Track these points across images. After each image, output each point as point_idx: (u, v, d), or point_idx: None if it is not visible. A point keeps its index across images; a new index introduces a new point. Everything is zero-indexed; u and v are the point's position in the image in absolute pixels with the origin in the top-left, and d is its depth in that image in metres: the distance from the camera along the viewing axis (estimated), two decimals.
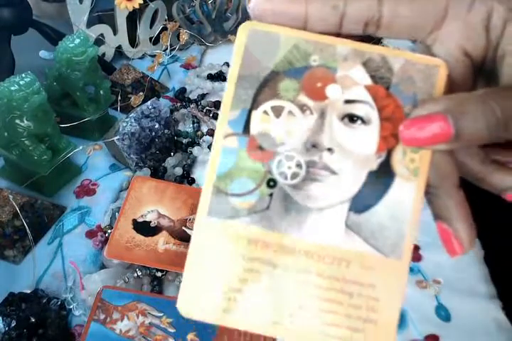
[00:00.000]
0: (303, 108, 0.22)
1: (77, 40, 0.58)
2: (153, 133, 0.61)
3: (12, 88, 0.49)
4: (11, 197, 0.50)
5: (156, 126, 0.61)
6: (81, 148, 0.58)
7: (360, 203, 0.22)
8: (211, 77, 0.77)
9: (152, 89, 0.74)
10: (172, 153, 0.64)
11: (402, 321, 0.48)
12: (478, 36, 0.22)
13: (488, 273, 0.52)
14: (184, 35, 0.78)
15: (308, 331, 0.22)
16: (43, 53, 0.78)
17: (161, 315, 0.45)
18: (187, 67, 0.81)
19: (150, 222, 0.52)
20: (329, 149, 0.22)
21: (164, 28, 0.78)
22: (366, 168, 0.22)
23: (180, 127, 0.69)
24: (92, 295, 0.47)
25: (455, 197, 0.22)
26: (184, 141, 0.66)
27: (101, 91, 0.63)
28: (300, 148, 0.22)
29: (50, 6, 0.75)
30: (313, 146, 0.22)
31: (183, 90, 0.75)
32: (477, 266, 0.53)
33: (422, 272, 0.52)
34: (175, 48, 0.79)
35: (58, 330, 0.45)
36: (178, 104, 0.72)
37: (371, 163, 0.22)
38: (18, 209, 0.50)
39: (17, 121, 0.51)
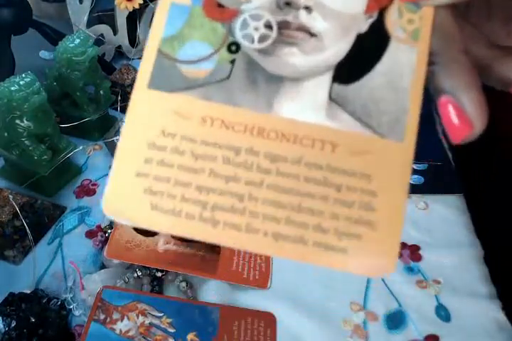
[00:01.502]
0: None
1: (77, 40, 0.58)
2: None
3: (12, 88, 0.49)
4: (11, 197, 0.50)
5: None
6: (81, 148, 0.58)
7: (348, 72, 0.18)
8: None
9: None
10: None
11: (402, 321, 0.48)
12: None
13: (488, 273, 0.52)
14: None
15: (279, 237, 0.16)
16: (43, 53, 0.77)
17: (161, 315, 0.45)
18: None
19: None
20: (307, 7, 0.18)
21: None
22: (353, 30, 0.18)
23: None
24: (92, 295, 0.47)
25: (461, 64, 0.18)
26: None
27: (101, 92, 0.63)
28: (270, 6, 0.18)
29: (50, 6, 0.75)
30: (286, 4, 0.18)
31: None
32: (477, 266, 0.53)
33: (422, 272, 0.52)
34: None
35: (58, 330, 0.45)
36: None
37: (360, 25, 0.18)
38: (18, 209, 0.50)
39: (17, 121, 0.51)
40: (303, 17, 0.18)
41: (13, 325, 0.43)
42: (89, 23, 0.71)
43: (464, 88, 0.18)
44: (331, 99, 0.18)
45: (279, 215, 0.16)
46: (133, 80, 0.71)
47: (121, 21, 0.75)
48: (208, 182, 0.17)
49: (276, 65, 0.18)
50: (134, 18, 0.76)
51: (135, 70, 0.73)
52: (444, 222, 0.56)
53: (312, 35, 0.18)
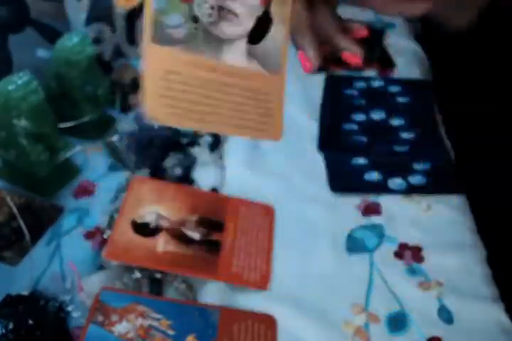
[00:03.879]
0: None
1: (75, 39, 0.58)
2: (153, 133, 0.60)
3: (9, 87, 0.48)
4: (8, 197, 0.50)
5: (156, 126, 0.60)
6: (80, 148, 0.58)
7: (254, 37, 0.33)
8: None
9: None
10: (171, 153, 0.63)
11: (404, 323, 0.48)
12: None
13: (492, 274, 0.52)
14: None
15: (226, 122, 0.32)
16: (40, 52, 0.77)
17: (160, 317, 0.45)
18: None
19: (149, 222, 0.52)
20: None
21: None
22: (255, 14, 0.33)
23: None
24: (91, 296, 0.46)
25: (308, 35, 0.37)
26: (184, 140, 0.65)
27: (99, 91, 0.63)
28: None
29: (48, 5, 0.74)
30: None
31: None
32: (480, 267, 0.52)
33: (425, 273, 0.52)
34: None
35: (56, 332, 0.45)
36: None
37: (258, 11, 0.33)
38: (15, 209, 0.50)
39: (14, 120, 0.50)
40: (230, 4, 0.33)
41: (10, 327, 0.43)
42: (88, 22, 0.71)
43: (307, 45, 0.38)
44: (248, 53, 0.33)
45: (223, 110, 0.32)
46: (132, 79, 0.71)
47: (120, 19, 0.75)
48: (189, 95, 0.32)
49: (220, 32, 0.32)
50: (133, 16, 0.76)
51: (134, 69, 0.72)
52: (446, 223, 0.56)
53: (235, 15, 0.33)
